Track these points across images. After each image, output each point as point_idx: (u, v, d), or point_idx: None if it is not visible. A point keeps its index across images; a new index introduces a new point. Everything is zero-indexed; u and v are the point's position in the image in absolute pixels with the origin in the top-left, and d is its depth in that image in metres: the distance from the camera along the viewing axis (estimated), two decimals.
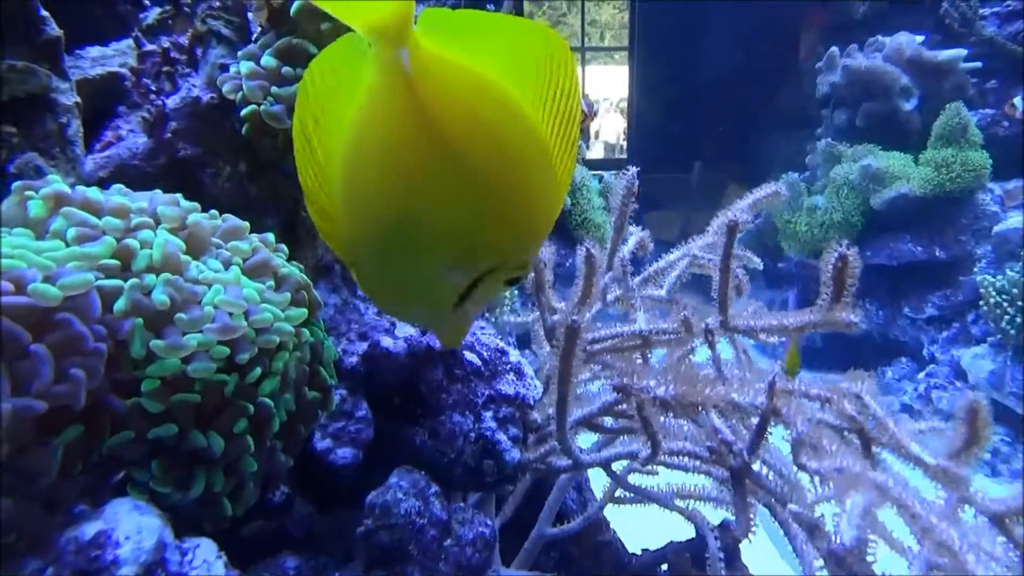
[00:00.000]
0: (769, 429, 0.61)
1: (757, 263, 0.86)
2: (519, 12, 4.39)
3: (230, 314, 0.50)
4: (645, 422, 0.66)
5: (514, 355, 0.81)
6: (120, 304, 0.46)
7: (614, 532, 1.03)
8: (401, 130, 0.40)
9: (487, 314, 0.97)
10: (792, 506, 0.54)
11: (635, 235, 0.89)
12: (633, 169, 0.83)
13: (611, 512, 0.96)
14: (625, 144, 4.61)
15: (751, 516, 0.58)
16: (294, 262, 0.60)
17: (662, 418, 0.73)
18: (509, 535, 0.91)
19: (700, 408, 0.62)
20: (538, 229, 0.48)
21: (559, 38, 0.46)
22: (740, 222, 0.80)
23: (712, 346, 0.75)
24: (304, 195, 0.47)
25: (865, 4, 3.10)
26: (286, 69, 0.63)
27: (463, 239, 0.44)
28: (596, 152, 5.05)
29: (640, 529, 1.07)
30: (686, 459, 0.68)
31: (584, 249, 0.78)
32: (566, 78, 0.45)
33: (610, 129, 5.31)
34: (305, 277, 0.58)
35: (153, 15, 0.80)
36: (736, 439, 0.62)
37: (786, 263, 2.72)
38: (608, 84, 4.82)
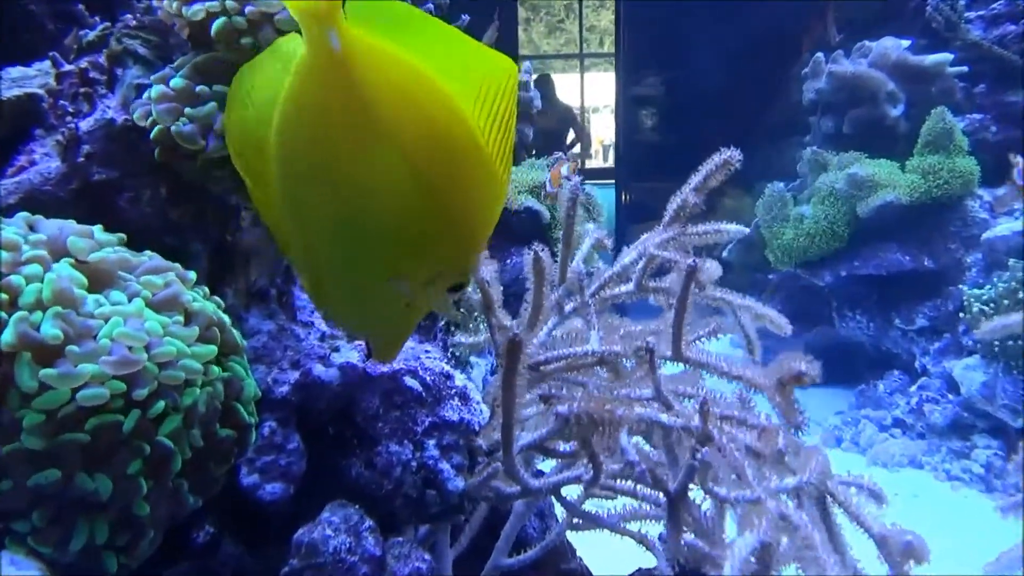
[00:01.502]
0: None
1: (741, 230, 0.80)
2: (513, 20, 4.41)
3: (129, 347, 0.48)
4: (584, 441, 0.65)
5: (460, 379, 0.80)
6: (7, 337, 0.45)
7: (580, 560, 1.01)
8: (333, 112, 0.42)
9: (441, 334, 0.96)
10: (688, 535, 0.53)
11: (589, 236, 0.87)
12: (576, 178, 0.82)
13: (579, 539, 0.95)
14: (612, 152, 4.61)
15: (681, 545, 0.56)
16: (214, 299, 0.59)
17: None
18: (467, 566, 0.89)
19: (610, 429, 0.60)
20: (477, 231, 0.50)
21: (500, 55, 0.48)
22: (691, 204, 0.79)
23: (653, 369, 0.73)
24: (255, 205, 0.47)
25: (841, 35, 3.14)
26: (200, 88, 0.62)
27: (403, 235, 0.46)
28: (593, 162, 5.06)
29: (609, 556, 1.06)
30: (629, 483, 0.67)
31: (531, 252, 0.77)
32: (504, 80, 0.47)
33: (603, 137, 5.32)
34: (220, 314, 0.57)
35: (95, 32, 0.79)
36: (657, 461, 0.61)
37: (775, 275, 2.72)
38: (607, 91, 4.81)
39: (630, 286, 0.84)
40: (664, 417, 0.56)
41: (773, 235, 2.61)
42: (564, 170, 2.35)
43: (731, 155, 0.75)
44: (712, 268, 0.76)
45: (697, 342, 0.74)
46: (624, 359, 0.78)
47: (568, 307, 0.84)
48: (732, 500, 0.51)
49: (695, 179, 0.77)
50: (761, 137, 3.57)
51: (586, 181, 3.41)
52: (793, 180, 2.81)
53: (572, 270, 0.81)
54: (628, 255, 0.80)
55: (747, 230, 0.82)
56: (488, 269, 0.78)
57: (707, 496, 0.55)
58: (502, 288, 0.81)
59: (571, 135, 4.06)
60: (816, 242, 2.48)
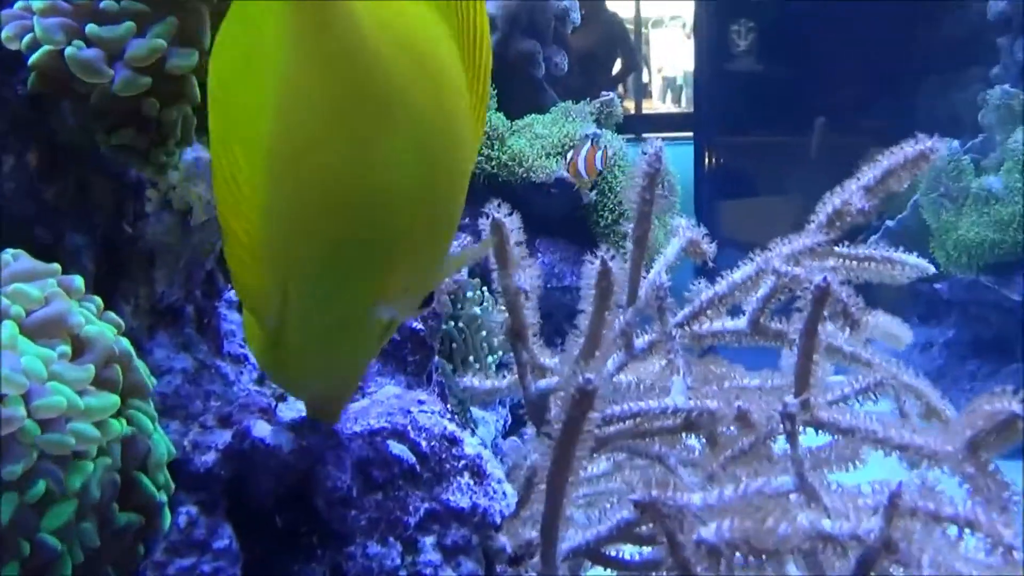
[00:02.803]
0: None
1: (923, 267, 0.82)
2: None
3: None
4: (673, 542, 0.66)
5: (471, 444, 0.82)
6: None
7: None
8: (344, 89, 0.49)
9: (436, 374, 0.98)
10: None
11: (679, 235, 0.89)
12: (657, 142, 0.84)
13: None
14: (690, 91, 4.61)
15: None
16: (110, 317, 0.61)
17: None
18: None
19: (776, 555, 0.62)
20: (457, 217, 0.60)
21: None
22: (856, 211, 0.80)
23: (794, 440, 0.75)
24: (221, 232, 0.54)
25: None
26: (107, 3, 0.65)
27: (404, 240, 0.54)
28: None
29: None
30: None
31: (599, 260, 0.78)
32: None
33: (666, 66, 5.31)
34: (124, 343, 0.59)
35: None
36: None
37: (946, 284, 2.72)
38: None
39: (740, 323, 0.85)
40: (827, 523, 0.58)
41: (943, 223, 2.62)
42: (583, 160, 2.25)
43: (932, 145, 0.75)
44: (893, 329, 0.77)
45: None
46: (725, 423, 0.80)
47: (641, 341, 0.86)
48: None
49: (869, 174, 0.78)
50: (921, 69, 3.57)
51: (649, 134, 3.39)
52: (973, 136, 2.82)
53: (650, 284, 0.83)
54: (741, 271, 0.82)
55: (931, 268, 0.82)
56: (526, 275, 0.80)
57: None
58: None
59: (618, 64, 4.05)
60: (1011, 233, 2.48)
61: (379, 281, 0.55)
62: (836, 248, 0.79)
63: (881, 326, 0.73)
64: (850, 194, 0.77)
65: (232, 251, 0.54)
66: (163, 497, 0.63)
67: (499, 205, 0.78)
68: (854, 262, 0.78)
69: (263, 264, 0.54)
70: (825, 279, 0.66)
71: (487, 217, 0.78)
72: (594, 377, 0.59)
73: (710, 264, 0.89)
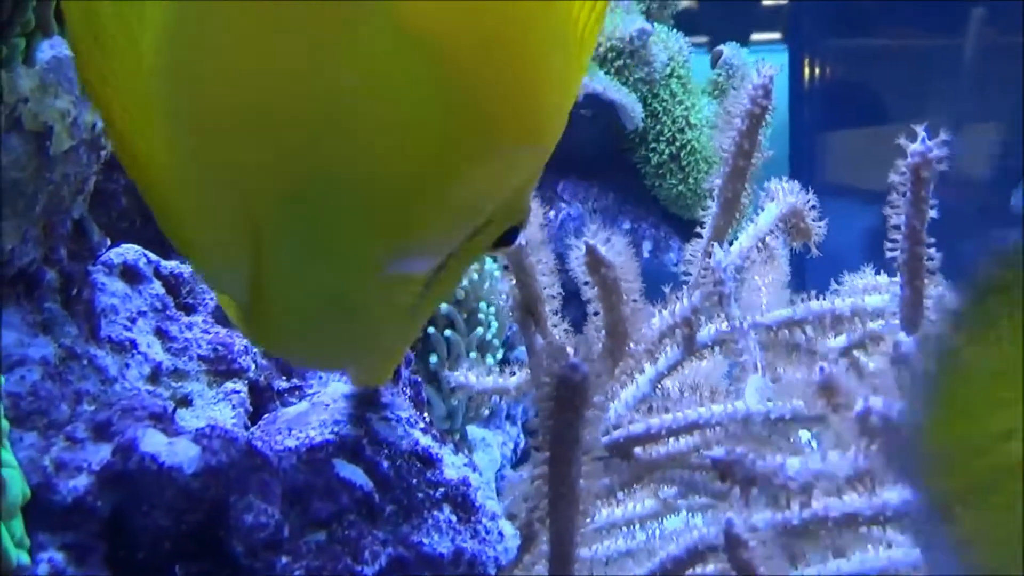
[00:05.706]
0: None
1: None
2: None
3: None
4: None
5: (454, 465, 0.82)
6: None
7: None
8: None
9: (408, 371, 0.98)
10: None
11: (777, 200, 0.88)
12: (767, 69, 0.82)
13: None
14: None
15: None
16: None
17: None
18: None
19: None
20: (547, 121, 0.57)
21: None
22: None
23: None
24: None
25: None
26: None
27: (427, 166, 0.51)
28: None
29: None
30: None
31: (583, 245, 0.78)
32: None
33: None
34: None
35: None
36: None
37: None
38: None
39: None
40: None
41: None
42: None
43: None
44: None
45: None
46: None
47: (706, 332, 0.86)
48: None
49: None
50: None
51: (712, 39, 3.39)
52: None
53: (719, 263, 0.83)
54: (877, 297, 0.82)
55: None
56: (527, 228, 0.80)
57: None
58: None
59: None
60: None
61: (396, 221, 0.54)
62: None
63: None
64: None
65: (150, 191, 0.54)
66: (23, 558, 0.63)
67: None
68: None
69: (201, 206, 0.53)
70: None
71: None
72: (582, 363, 0.58)
73: (814, 252, 0.89)
